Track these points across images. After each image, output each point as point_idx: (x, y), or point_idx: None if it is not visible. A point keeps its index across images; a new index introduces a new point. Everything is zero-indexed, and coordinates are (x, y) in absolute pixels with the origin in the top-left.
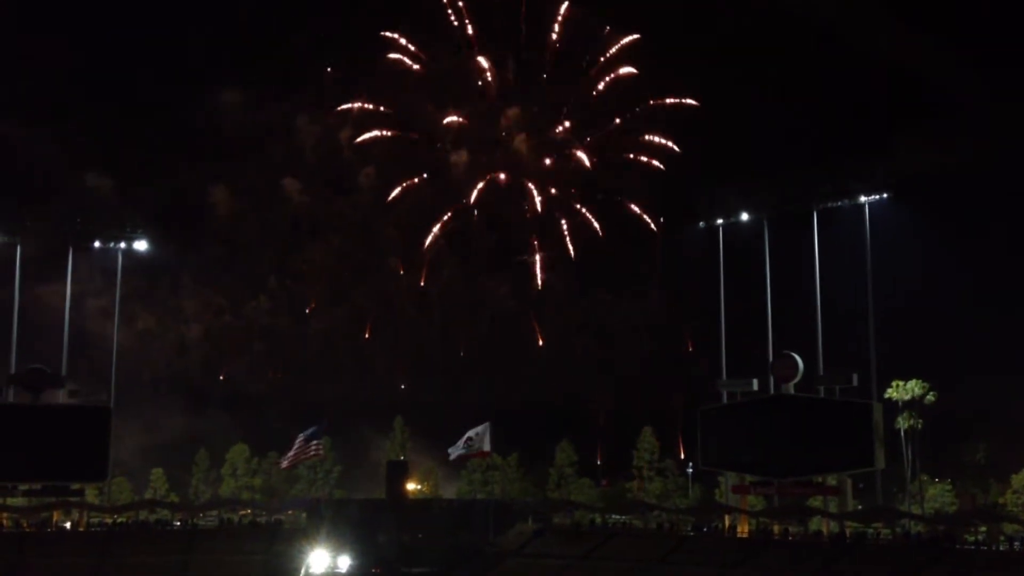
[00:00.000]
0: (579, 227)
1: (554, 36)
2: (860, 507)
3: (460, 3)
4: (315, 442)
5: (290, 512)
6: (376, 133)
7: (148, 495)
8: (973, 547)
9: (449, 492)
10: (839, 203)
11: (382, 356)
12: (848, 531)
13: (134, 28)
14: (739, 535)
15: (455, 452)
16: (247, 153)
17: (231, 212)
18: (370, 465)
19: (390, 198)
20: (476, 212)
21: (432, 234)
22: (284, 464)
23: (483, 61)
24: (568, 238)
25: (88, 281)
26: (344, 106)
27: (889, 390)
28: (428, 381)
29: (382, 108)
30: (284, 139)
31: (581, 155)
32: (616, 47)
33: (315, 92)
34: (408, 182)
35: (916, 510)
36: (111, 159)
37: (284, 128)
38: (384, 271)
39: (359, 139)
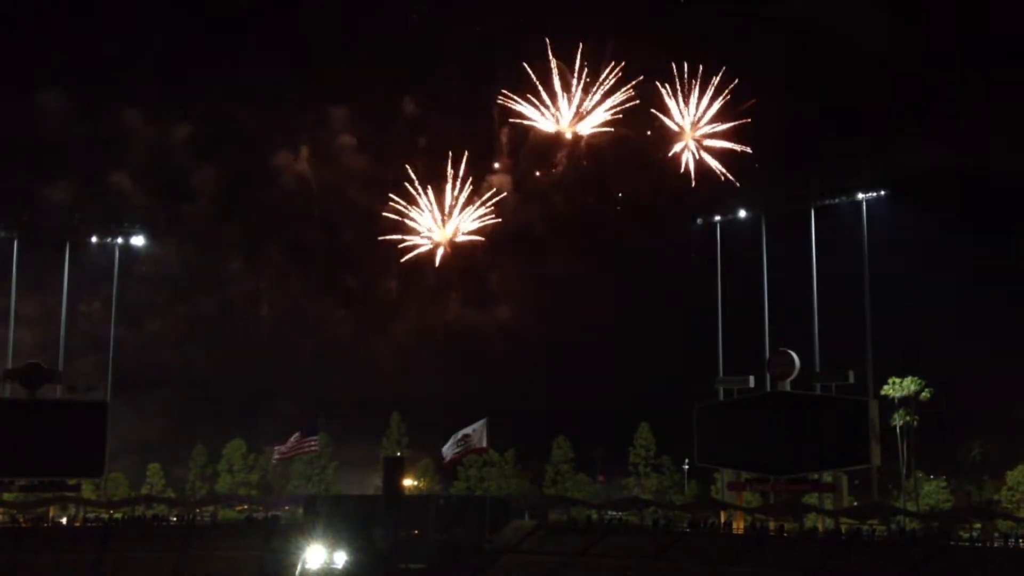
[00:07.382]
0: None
1: None
2: (855, 504)
3: None
4: (311, 438)
5: (287, 508)
6: None
7: (145, 491)
8: (968, 544)
9: (446, 488)
10: (836, 200)
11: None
12: (843, 528)
13: None
14: (735, 532)
15: (448, 453)
16: (81, 154)
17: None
18: (367, 461)
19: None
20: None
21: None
22: (276, 458)
23: None
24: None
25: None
26: None
27: (885, 387)
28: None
29: None
30: (116, 141)
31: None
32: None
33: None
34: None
35: (911, 507)
36: None
37: (116, 129)
38: (225, 277)
39: None
